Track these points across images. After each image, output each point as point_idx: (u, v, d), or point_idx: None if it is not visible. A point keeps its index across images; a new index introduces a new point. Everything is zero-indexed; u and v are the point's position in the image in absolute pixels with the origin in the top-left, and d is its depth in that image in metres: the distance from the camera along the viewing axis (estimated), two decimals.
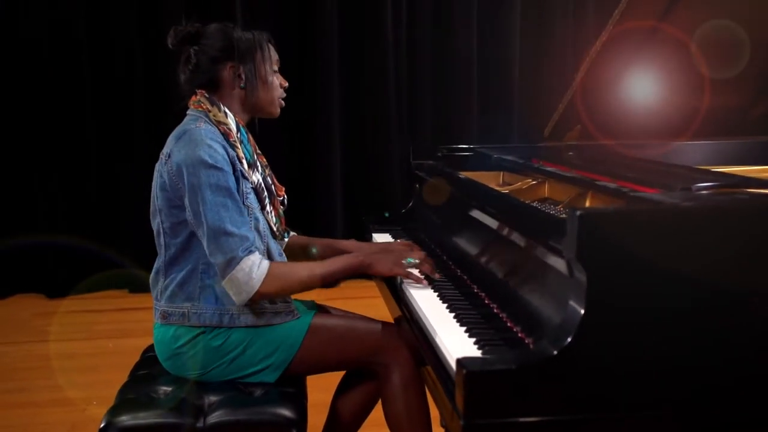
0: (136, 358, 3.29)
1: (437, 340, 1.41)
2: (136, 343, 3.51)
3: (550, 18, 4.90)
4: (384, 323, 1.88)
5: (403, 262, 1.81)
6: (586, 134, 2.48)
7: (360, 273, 1.84)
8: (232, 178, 1.72)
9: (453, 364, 1.26)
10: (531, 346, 1.34)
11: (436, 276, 1.81)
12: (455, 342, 1.37)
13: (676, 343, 1.11)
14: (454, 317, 1.52)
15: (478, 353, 1.31)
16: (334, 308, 2.04)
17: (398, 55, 4.70)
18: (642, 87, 2.30)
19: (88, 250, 4.48)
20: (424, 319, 1.55)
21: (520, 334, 1.41)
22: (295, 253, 2.07)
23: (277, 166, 2.09)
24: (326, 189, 4.68)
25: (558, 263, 1.29)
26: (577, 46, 4.76)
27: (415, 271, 1.81)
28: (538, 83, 4.75)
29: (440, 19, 4.75)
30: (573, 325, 1.12)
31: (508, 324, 1.47)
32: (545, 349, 1.14)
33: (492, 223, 1.68)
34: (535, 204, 1.98)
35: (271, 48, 1.89)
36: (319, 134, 4.64)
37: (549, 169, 2.00)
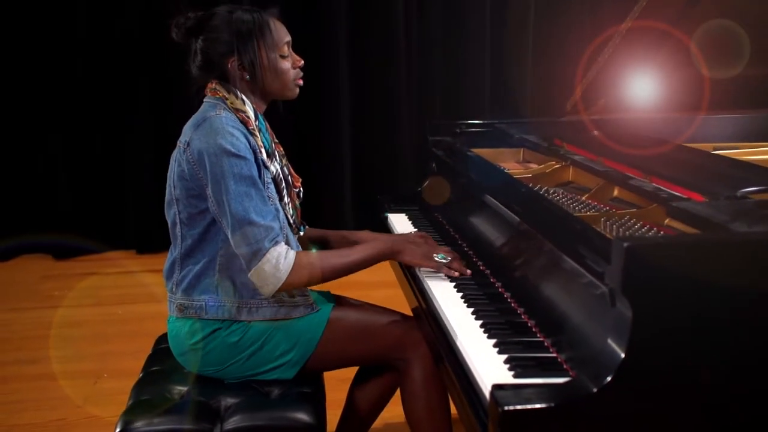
0: (145, 326, 3.29)
1: (466, 356, 1.35)
2: (144, 310, 3.53)
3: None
4: (403, 316, 1.83)
5: (434, 256, 1.75)
6: (610, 108, 2.39)
7: (388, 260, 1.79)
8: (254, 167, 1.66)
9: (484, 388, 1.22)
10: (564, 365, 1.28)
11: (468, 273, 1.74)
12: (485, 360, 1.31)
13: (726, 387, 1.05)
14: (481, 326, 1.46)
15: (509, 374, 1.25)
16: (351, 298, 1.99)
17: (409, 35, 4.53)
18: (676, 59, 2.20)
19: (94, 209, 4.43)
20: (449, 326, 1.49)
21: (551, 350, 1.35)
22: (306, 247, 2.00)
23: (284, 148, 2.00)
24: (335, 170, 4.55)
25: (596, 282, 1.22)
26: (594, 27, 4.53)
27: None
28: (552, 60, 4.58)
29: None
30: (614, 363, 1.06)
31: (538, 336, 1.41)
32: (584, 385, 1.08)
33: (520, 223, 1.60)
34: (558, 189, 1.90)
35: (278, 27, 1.77)
36: (326, 114, 4.50)
37: (576, 157, 1.91)
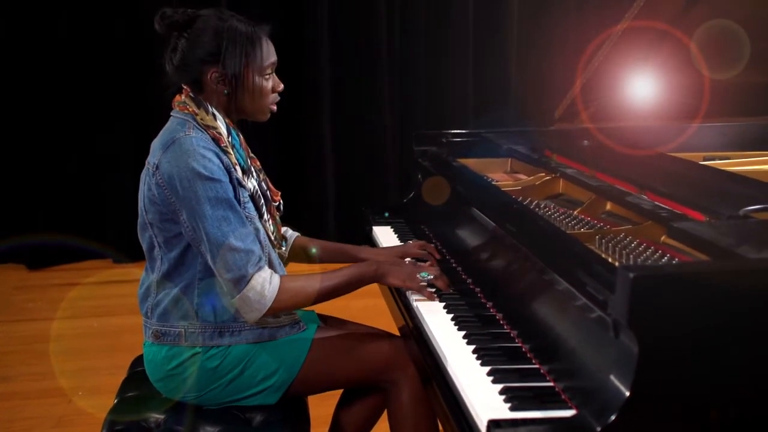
0: (122, 340, 3.20)
1: (459, 386, 1.28)
2: (121, 323, 3.43)
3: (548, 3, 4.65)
4: (390, 336, 1.77)
5: (417, 276, 1.68)
6: (599, 116, 2.34)
7: (372, 283, 1.72)
8: (230, 188, 1.58)
9: (479, 423, 1.16)
10: (562, 395, 1.22)
11: (449, 290, 1.69)
12: (479, 391, 1.24)
13: (740, 429, 0.99)
14: (473, 351, 1.39)
15: (505, 407, 1.19)
16: (336, 318, 1.92)
17: (391, 43, 4.47)
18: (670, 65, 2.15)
19: (70, 217, 4.31)
20: (440, 352, 1.43)
21: (548, 378, 1.28)
22: (297, 255, 1.94)
23: (264, 159, 1.92)
24: (317, 181, 4.46)
25: (596, 309, 1.16)
26: (579, 33, 4.47)
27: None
28: (537, 62, 4.53)
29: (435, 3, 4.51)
30: (618, 401, 1.00)
31: (534, 363, 1.34)
32: (586, 423, 1.02)
33: (511, 242, 1.54)
34: (548, 202, 1.84)
35: (268, 47, 1.68)
36: (308, 124, 4.40)
37: (568, 171, 1.85)
